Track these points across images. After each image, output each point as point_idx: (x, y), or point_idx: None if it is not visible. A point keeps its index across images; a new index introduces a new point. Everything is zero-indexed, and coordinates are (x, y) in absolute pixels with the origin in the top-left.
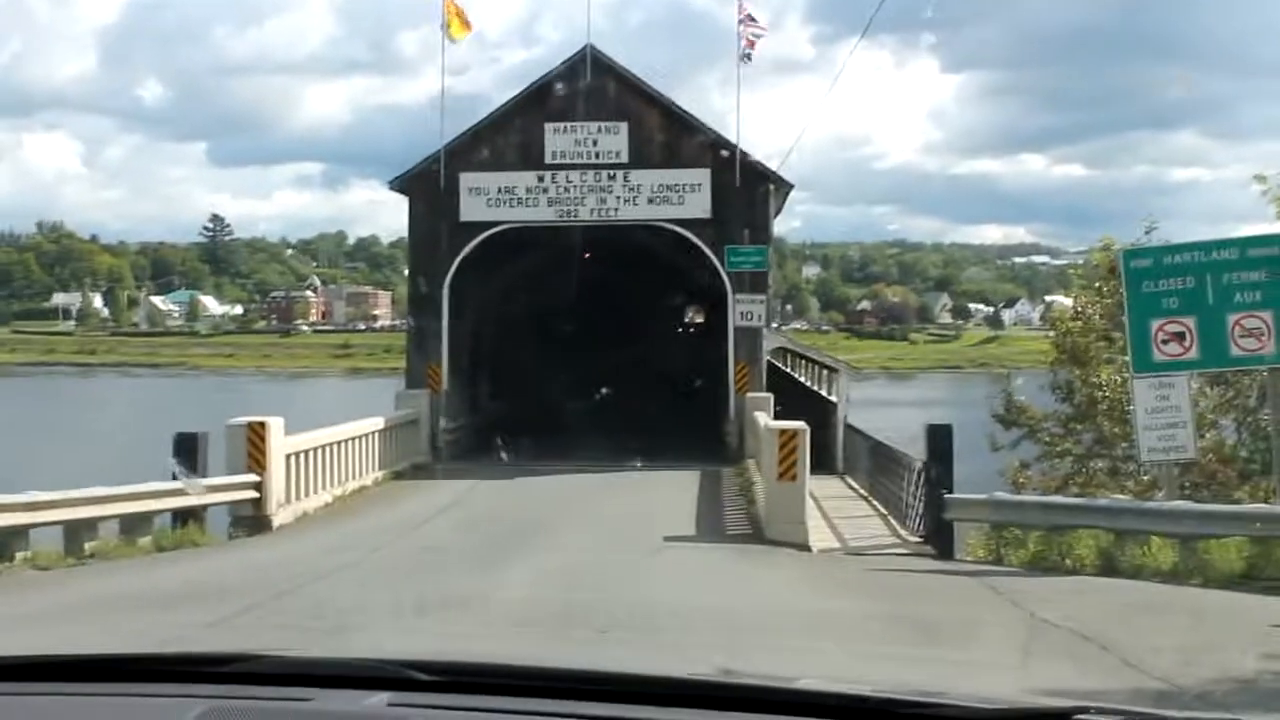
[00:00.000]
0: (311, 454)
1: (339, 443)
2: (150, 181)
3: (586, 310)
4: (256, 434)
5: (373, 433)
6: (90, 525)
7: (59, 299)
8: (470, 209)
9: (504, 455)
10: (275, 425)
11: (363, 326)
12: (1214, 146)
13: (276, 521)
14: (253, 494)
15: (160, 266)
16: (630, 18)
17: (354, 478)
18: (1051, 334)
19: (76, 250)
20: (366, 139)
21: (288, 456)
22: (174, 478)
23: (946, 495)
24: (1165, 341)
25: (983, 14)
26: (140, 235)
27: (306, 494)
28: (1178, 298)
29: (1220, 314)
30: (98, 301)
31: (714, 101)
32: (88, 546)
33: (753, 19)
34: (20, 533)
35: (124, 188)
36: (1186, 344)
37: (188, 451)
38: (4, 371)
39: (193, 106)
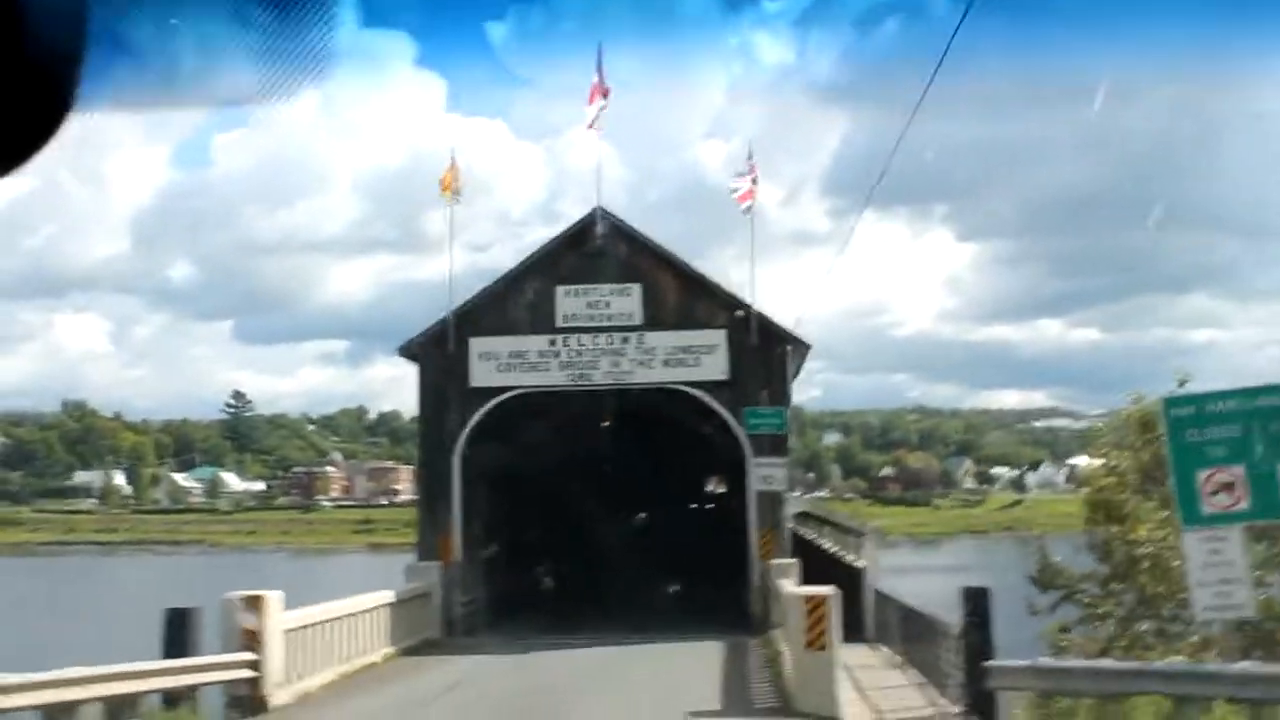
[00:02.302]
0: (314, 630)
1: (344, 618)
2: (176, 359)
3: (603, 477)
4: (252, 609)
5: (380, 607)
6: (68, 709)
7: (80, 477)
8: (481, 374)
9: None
10: (273, 600)
11: (384, 501)
12: (1228, 309)
13: (274, 702)
14: (249, 673)
15: (183, 443)
16: (649, 194)
17: (361, 654)
18: (1082, 492)
19: (99, 428)
20: (390, 315)
21: (287, 632)
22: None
23: (987, 663)
24: (1214, 493)
25: (994, 184)
26: (164, 413)
27: (309, 672)
28: (1224, 446)
29: (1271, 463)
30: (120, 479)
31: (732, 274)
32: None
33: (751, 175)
34: None
35: (150, 366)
36: (1236, 494)
37: (180, 628)
38: (24, 550)
39: (220, 286)
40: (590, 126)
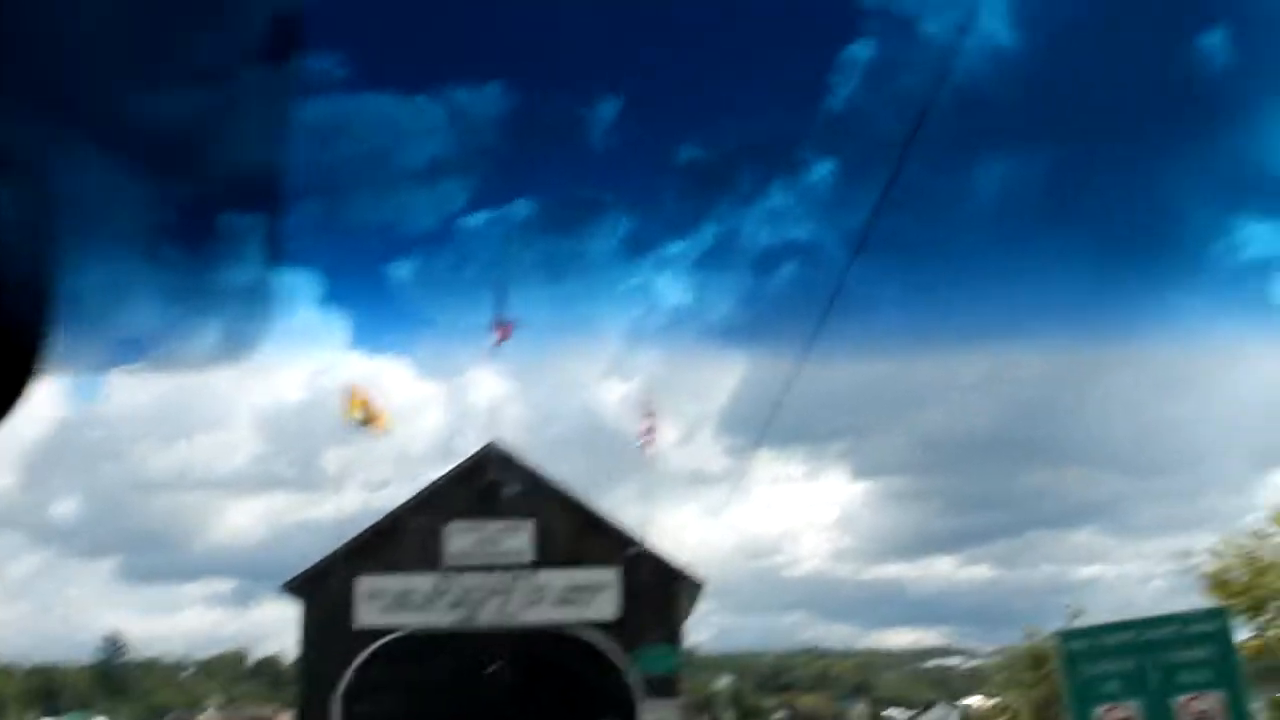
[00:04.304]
0: None
1: None
2: (52, 599)
3: None
4: None
5: None
6: None
7: None
8: (366, 614)
9: None
10: None
11: None
12: (1114, 544)
13: None
14: None
15: (51, 688)
16: (548, 432)
17: None
18: None
19: None
20: (282, 555)
21: None
22: None
23: None
24: None
25: (888, 423)
26: (36, 656)
27: None
28: (1119, 681)
29: (1166, 697)
30: None
31: (629, 514)
32: None
33: (650, 426)
34: None
35: (24, 605)
36: None
37: None
38: None
39: (106, 523)
40: (489, 364)
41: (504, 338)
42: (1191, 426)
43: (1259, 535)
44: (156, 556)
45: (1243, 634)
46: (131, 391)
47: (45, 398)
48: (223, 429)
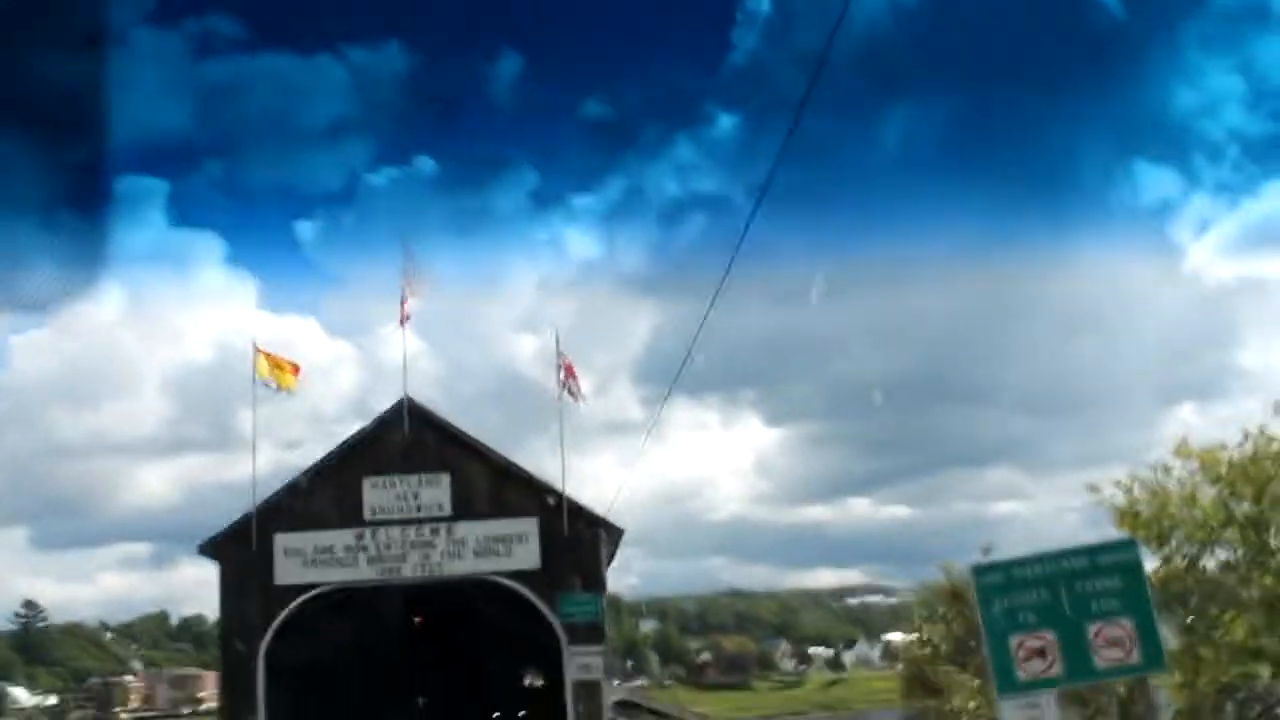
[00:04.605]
0: None
1: None
2: None
3: (416, 675)
4: None
5: None
6: None
7: None
8: (285, 571)
9: None
10: None
11: (187, 710)
12: (1026, 481)
13: None
14: None
15: None
16: (462, 388)
17: None
18: (898, 668)
19: None
20: (198, 516)
21: None
22: None
23: None
24: (1027, 659)
25: (798, 369)
26: None
27: None
28: (1034, 612)
29: (1080, 625)
30: None
31: (546, 465)
32: None
33: (571, 370)
34: None
35: None
36: (1049, 659)
37: None
38: None
39: (16, 491)
40: (401, 322)
41: (411, 294)
42: (1098, 365)
43: (1163, 469)
44: (70, 523)
45: (1150, 564)
46: (36, 357)
47: None
48: (131, 393)
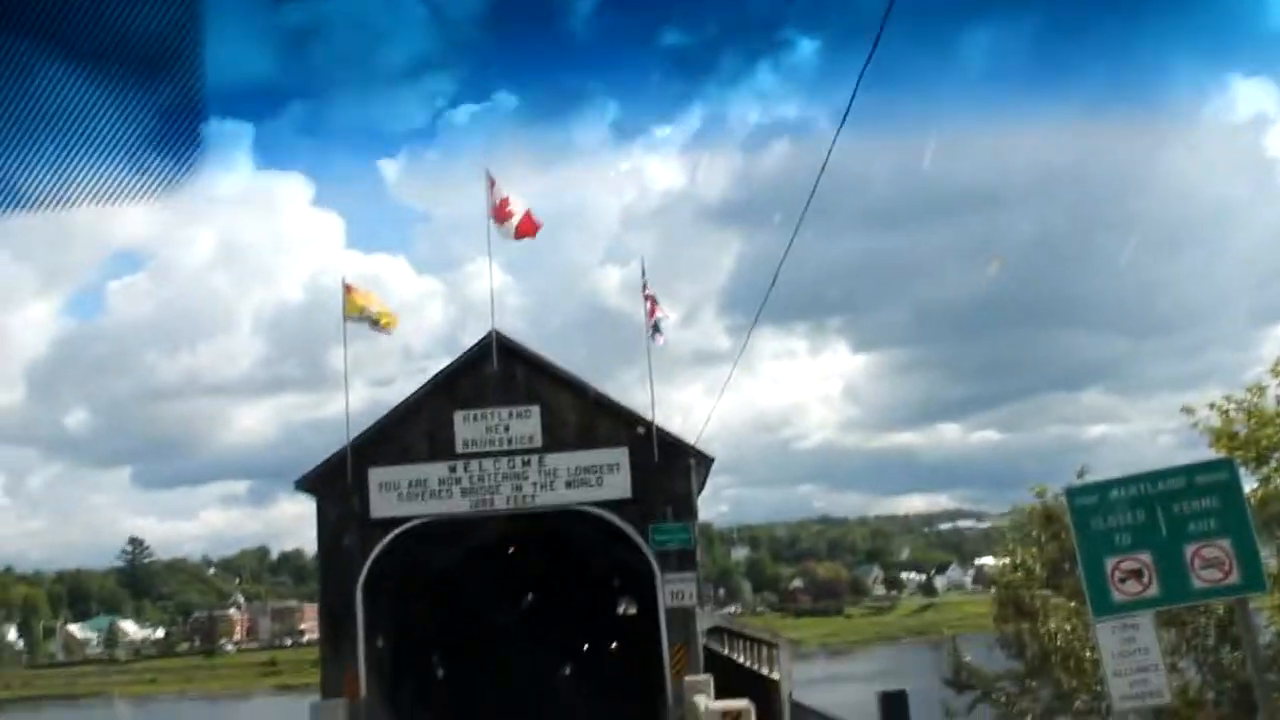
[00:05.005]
0: None
1: None
2: (72, 509)
3: (511, 603)
4: None
5: None
6: None
7: None
8: (381, 505)
9: None
10: None
11: (289, 642)
12: (1120, 403)
13: None
14: None
15: (78, 593)
16: (549, 321)
17: None
18: (991, 592)
19: None
20: (294, 453)
21: None
22: None
23: None
24: (1123, 580)
25: (886, 295)
26: (59, 563)
27: None
28: (1130, 533)
29: (1177, 546)
30: (12, 634)
31: (635, 396)
32: None
33: (655, 302)
34: None
35: (44, 516)
36: (1145, 581)
37: None
38: None
39: (118, 432)
40: (514, 232)
41: (501, 223)
42: (1192, 285)
43: (1259, 389)
44: (171, 462)
45: (1249, 485)
46: (133, 302)
47: (43, 315)
48: (226, 335)
